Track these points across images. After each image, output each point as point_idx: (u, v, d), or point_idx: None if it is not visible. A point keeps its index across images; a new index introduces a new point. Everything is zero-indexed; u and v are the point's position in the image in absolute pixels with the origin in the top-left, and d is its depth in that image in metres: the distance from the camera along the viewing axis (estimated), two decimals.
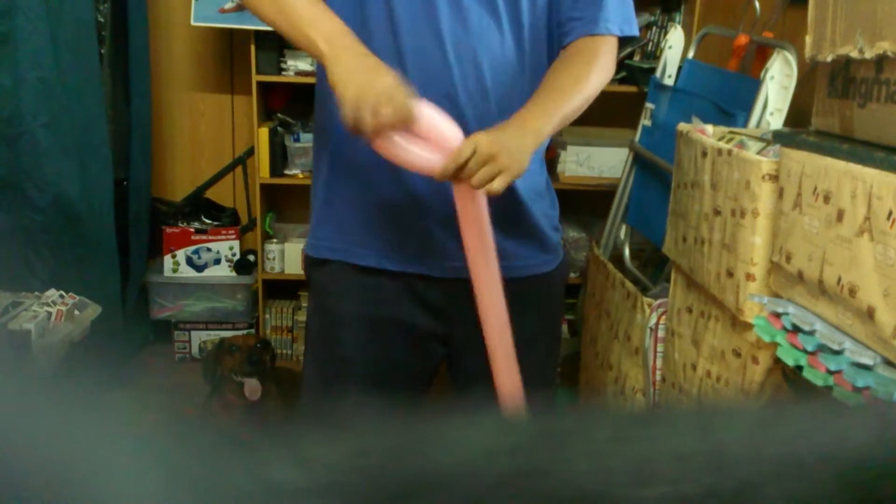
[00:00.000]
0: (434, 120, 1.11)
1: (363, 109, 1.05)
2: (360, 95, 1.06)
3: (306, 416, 1.44)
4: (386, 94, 1.06)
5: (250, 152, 3.12)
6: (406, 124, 1.08)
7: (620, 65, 2.90)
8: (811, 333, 1.25)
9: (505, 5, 1.24)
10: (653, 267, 2.51)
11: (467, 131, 1.26)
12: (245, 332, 3.03)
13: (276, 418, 2.29)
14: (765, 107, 1.88)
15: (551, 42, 1.32)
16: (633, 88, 2.87)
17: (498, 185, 1.11)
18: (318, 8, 1.15)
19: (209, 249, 3.07)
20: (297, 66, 2.85)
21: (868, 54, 1.15)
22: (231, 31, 2.99)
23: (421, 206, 1.29)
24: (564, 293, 1.54)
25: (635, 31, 1.33)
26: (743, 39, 2.19)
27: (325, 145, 1.36)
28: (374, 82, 1.07)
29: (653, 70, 2.58)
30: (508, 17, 1.25)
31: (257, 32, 2.81)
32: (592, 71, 1.26)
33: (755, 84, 1.90)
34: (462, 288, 1.33)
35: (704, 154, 1.62)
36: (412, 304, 1.35)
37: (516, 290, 1.37)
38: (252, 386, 2.33)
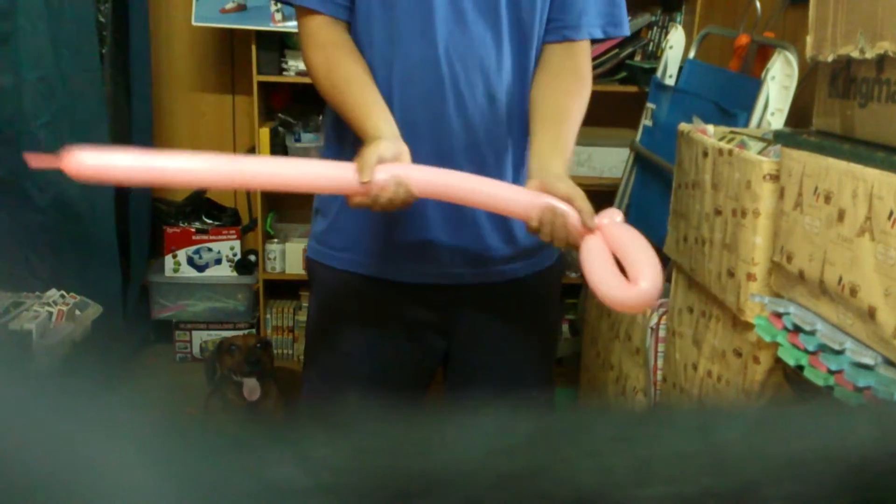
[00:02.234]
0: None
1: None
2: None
3: (307, 415, 1.44)
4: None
5: (251, 152, 3.11)
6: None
7: (621, 64, 2.90)
8: (812, 333, 1.25)
9: (507, 13, 1.25)
10: None
11: (477, 140, 1.27)
12: (246, 331, 3.03)
13: (276, 418, 2.29)
14: (766, 107, 1.87)
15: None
16: (633, 88, 2.87)
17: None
18: (371, 101, 1.20)
19: (210, 249, 3.07)
20: (297, 66, 2.84)
21: (869, 54, 1.15)
22: (232, 31, 2.99)
23: (427, 218, 1.30)
24: (560, 291, 1.55)
25: (625, 32, 1.34)
26: (744, 39, 2.19)
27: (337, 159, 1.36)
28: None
29: (653, 70, 2.58)
30: (509, 23, 1.26)
31: (258, 32, 2.81)
32: (584, 84, 1.31)
33: (756, 84, 1.90)
34: (463, 290, 1.35)
35: (705, 154, 1.62)
36: (414, 304, 1.36)
37: (511, 290, 1.38)
38: (251, 386, 2.33)
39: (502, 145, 1.29)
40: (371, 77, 1.23)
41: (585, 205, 1.13)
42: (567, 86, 1.30)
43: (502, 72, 1.26)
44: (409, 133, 1.25)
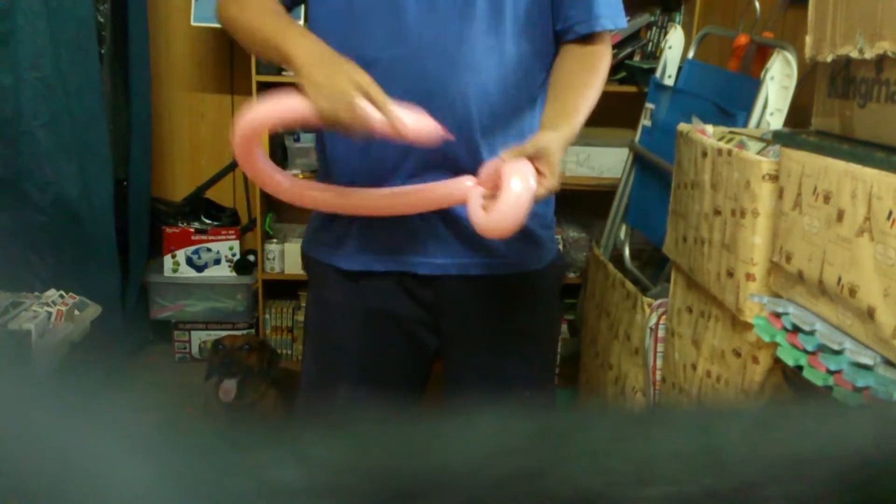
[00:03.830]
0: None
1: (324, 98, 1.06)
2: (332, 90, 1.07)
3: (306, 415, 1.45)
4: (355, 84, 1.06)
5: None
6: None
7: (620, 65, 2.90)
8: (811, 333, 1.25)
9: (486, 4, 1.24)
10: (653, 267, 2.51)
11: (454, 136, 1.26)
12: (245, 332, 3.02)
13: (274, 419, 2.28)
14: (765, 107, 1.88)
15: (544, 40, 1.32)
16: (633, 88, 2.87)
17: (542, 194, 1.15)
18: (283, 19, 1.19)
19: (209, 249, 3.07)
20: None
21: (868, 54, 1.15)
22: None
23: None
24: (560, 290, 1.55)
25: (624, 24, 1.37)
26: (743, 39, 2.19)
27: (323, 153, 1.38)
28: (343, 75, 1.08)
29: (653, 70, 2.58)
30: (488, 15, 1.24)
31: None
32: (599, 68, 1.31)
33: (755, 84, 1.90)
34: (449, 283, 1.35)
35: (704, 154, 1.62)
36: (403, 297, 1.38)
37: (508, 286, 1.38)
38: (226, 387, 2.30)
39: (475, 144, 1.28)
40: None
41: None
42: (579, 70, 1.30)
43: (479, 68, 1.25)
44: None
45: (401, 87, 1.16)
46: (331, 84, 1.05)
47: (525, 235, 1.38)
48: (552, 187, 1.14)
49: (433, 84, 1.23)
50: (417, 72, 1.22)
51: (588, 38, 1.32)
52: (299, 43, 1.12)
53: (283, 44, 1.12)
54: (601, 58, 1.32)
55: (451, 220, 1.31)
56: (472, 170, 1.25)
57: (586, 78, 1.28)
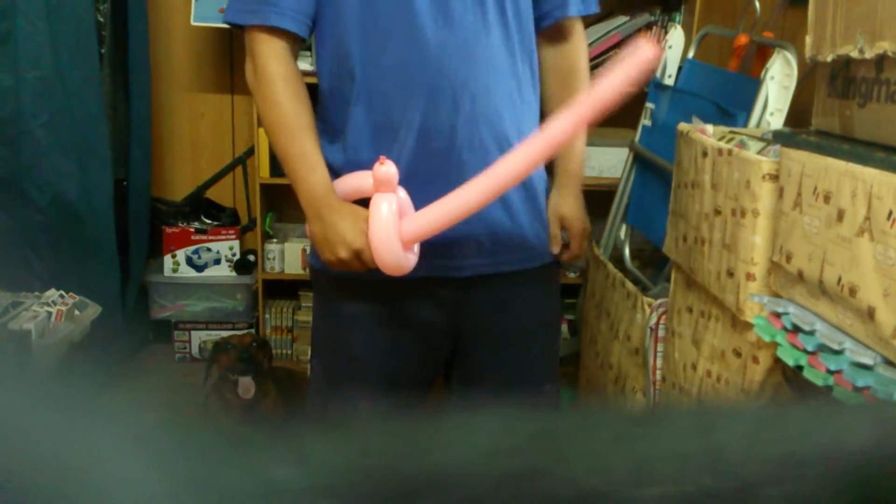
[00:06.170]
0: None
1: (325, 253, 1.24)
2: (324, 241, 1.24)
3: (307, 415, 1.44)
4: (341, 236, 1.21)
5: (250, 152, 3.12)
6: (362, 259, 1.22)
7: None
8: (811, 333, 1.25)
9: (493, 3, 1.26)
10: (653, 267, 2.51)
11: (470, 131, 1.27)
12: (244, 331, 3.02)
13: (274, 418, 2.28)
14: (765, 107, 1.88)
15: (531, 26, 1.37)
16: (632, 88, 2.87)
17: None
18: (308, 161, 1.26)
19: (209, 249, 3.07)
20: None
21: (868, 54, 1.15)
22: (231, 30, 2.98)
23: None
24: (559, 288, 1.56)
25: (597, 8, 1.44)
26: (743, 39, 2.19)
27: (337, 155, 1.36)
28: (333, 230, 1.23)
29: (653, 70, 2.58)
30: (495, 11, 1.27)
31: None
32: (584, 69, 1.45)
33: (755, 84, 1.90)
34: (473, 284, 1.34)
35: (705, 154, 1.62)
36: (422, 301, 1.36)
37: (514, 283, 1.38)
38: (245, 384, 2.31)
39: (485, 146, 1.29)
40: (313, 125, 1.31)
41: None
42: (574, 84, 1.42)
43: (494, 67, 1.26)
44: (392, 136, 1.25)
45: (418, 85, 1.24)
46: (327, 241, 1.23)
47: (544, 228, 1.40)
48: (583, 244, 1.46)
49: (450, 81, 1.25)
50: (434, 71, 1.24)
51: (562, 27, 1.39)
52: (303, 188, 1.25)
53: (292, 179, 1.26)
54: (581, 54, 1.43)
55: (480, 220, 1.31)
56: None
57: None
